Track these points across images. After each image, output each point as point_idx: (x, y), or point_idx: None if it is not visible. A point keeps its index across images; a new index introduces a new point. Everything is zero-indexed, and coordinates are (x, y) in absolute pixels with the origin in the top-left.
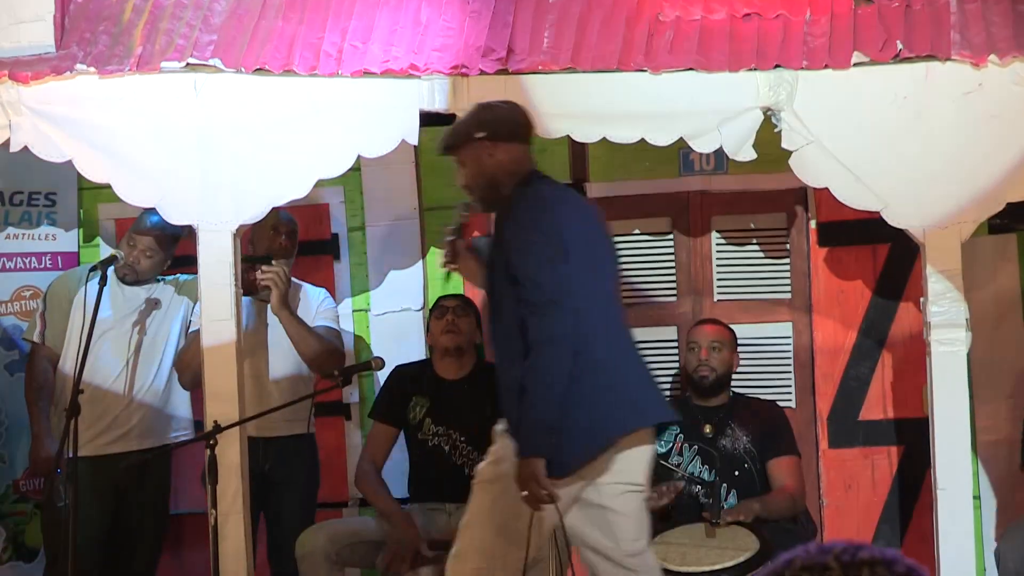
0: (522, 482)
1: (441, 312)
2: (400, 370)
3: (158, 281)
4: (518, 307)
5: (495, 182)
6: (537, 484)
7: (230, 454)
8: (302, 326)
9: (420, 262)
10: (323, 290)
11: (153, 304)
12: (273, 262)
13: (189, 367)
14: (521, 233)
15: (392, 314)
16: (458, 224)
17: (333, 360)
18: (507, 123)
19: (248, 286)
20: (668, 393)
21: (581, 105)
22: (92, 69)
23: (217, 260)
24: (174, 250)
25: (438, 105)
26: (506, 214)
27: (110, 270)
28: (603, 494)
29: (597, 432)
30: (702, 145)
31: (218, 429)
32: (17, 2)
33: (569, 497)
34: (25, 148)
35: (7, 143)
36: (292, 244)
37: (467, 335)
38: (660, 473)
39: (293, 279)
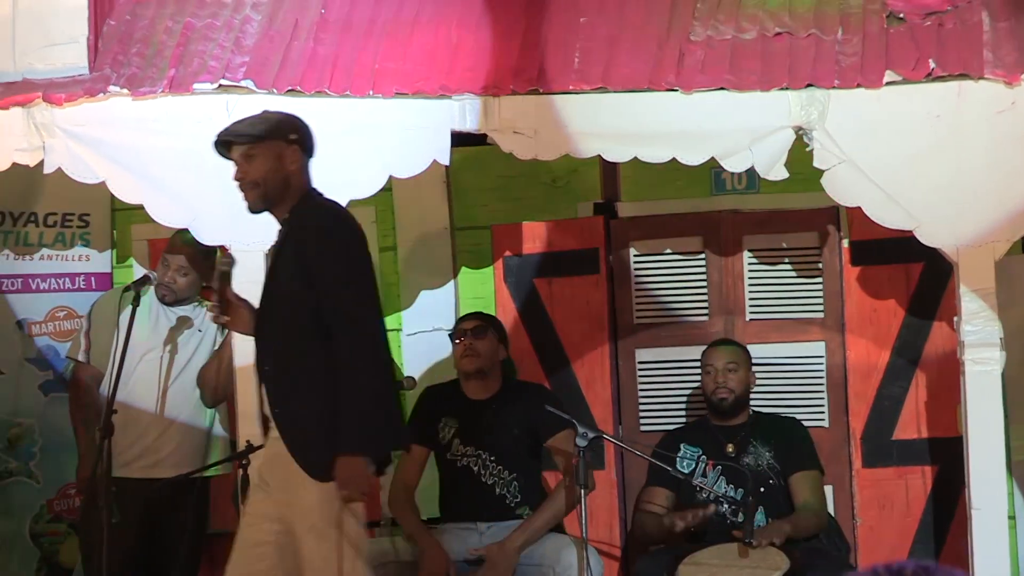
0: (351, 479)
1: (459, 335)
2: (429, 391)
3: (198, 302)
4: (307, 320)
5: (286, 187)
6: (363, 482)
7: None
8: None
9: (452, 282)
10: None
11: (186, 324)
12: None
13: (208, 384)
14: (342, 263)
15: (424, 334)
16: (222, 272)
17: None
18: (310, 137)
19: None
20: (694, 414)
21: (612, 125)
22: (125, 91)
23: (248, 280)
24: (209, 268)
25: (469, 125)
26: (302, 227)
27: (151, 292)
28: None
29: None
30: (734, 164)
31: (250, 449)
32: (51, 24)
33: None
34: (59, 169)
35: (41, 164)
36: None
37: (488, 356)
38: (686, 493)
39: None
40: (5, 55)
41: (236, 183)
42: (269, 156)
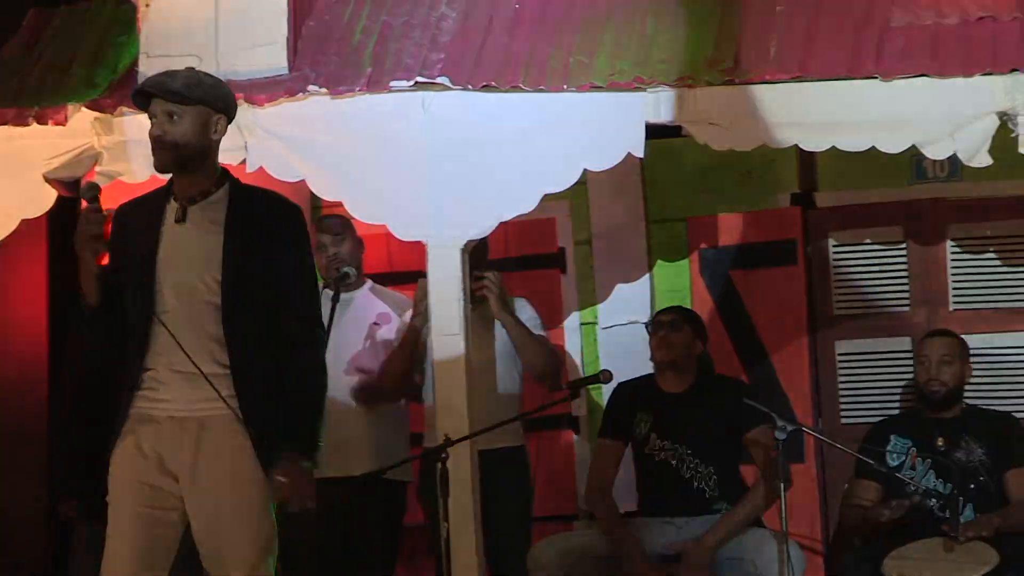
0: (301, 484)
1: (655, 328)
2: (623, 386)
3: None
4: (265, 308)
5: (204, 156)
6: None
7: (461, 468)
8: (523, 328)
9: (647, 274)
10: (522, 299)
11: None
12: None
13: (391, 375)
14: (300, 255)
15: (619, 327)
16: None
17: (555, 363)
18: (235, 110)
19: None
20: (901, 405)
21: (810, 114)
22: (324, 90)
23: (446, 275)
24: (355, 234)
25: (664, 117)
26: (268, 210)
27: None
28: None
29: None
30: (935, 152)
31: (449, 443)
32: (252, 27)
33: None
34: (261, 168)
35: (243, 164)
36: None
37: (682, 348)
38: (895, 487)
39: None
40: (208, 58)
41: (152, 138)
42: (196, 121)
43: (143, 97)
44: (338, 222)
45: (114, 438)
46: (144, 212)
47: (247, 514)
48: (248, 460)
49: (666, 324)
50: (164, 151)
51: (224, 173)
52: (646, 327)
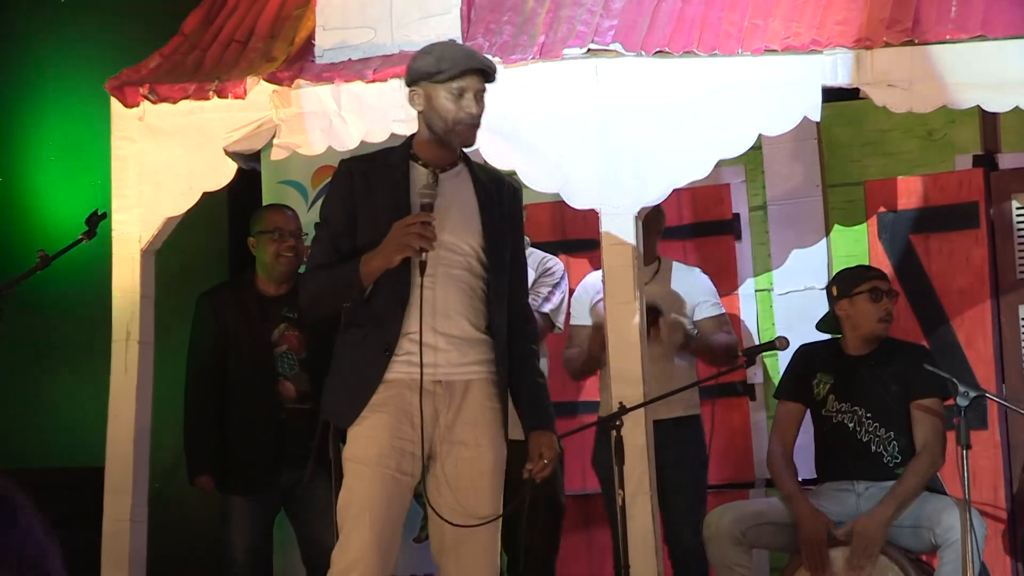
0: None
1: (875, 292)
2: (804, 349)
3: None
4: (507, 281)
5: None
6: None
7: (635, 436)
8: (703, 344)
9: (824, 240)
10: (699, 270)
11: None
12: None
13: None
14: (523, 236)
15: (796, 293)
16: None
17: (732, 355)
18: None
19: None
20: None
21: (992, 74)
22: (497, 58)
23: (619, 243)
24: None
25: (841, 80)
26: (502, 184)
27: None
28: None
29: None
30: None
31: (624, 411)
32: None
33: None
34: None
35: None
36: None
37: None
38: None
39: (675, 262)
40: (383, 29)
41: (469, 116)
42: (483, 99)
43: (479, 75)
44: None
45: (355, 400)
46: (386, 174)
47: (498, 474)
48: (502, 425)
49: (887, 292)
50: (475, 129)
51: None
52: (830, 290)
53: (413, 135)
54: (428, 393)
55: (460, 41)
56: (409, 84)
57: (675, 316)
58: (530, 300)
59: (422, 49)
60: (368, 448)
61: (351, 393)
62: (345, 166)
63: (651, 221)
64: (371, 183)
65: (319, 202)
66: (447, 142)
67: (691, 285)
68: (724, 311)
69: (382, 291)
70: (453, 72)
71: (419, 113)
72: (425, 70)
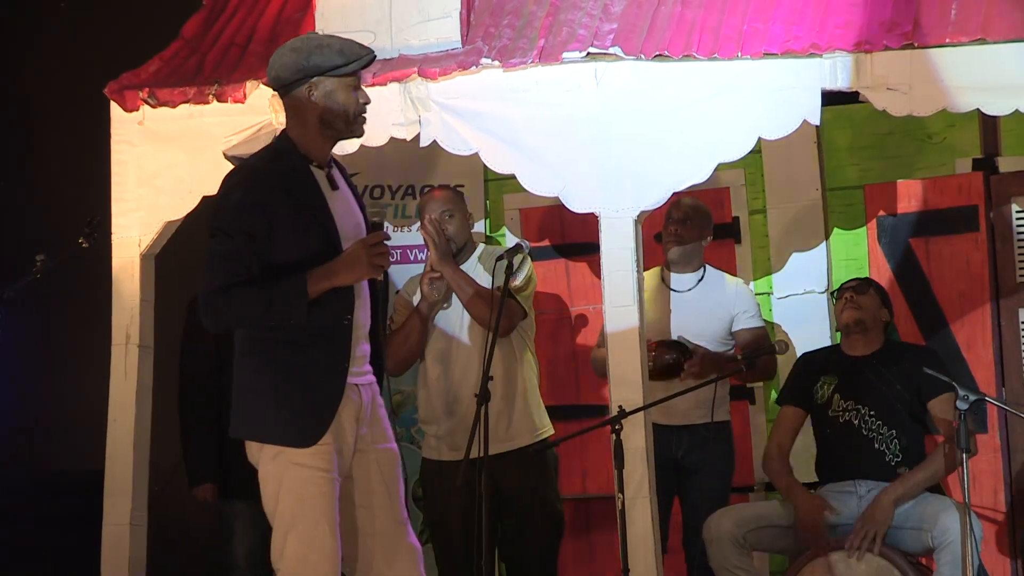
0: None
1: (840, 292)
2: (807, 355)
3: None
4: None
5: None
6: None
7: (635, 439)
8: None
9: (823, 244)
10: (740, 282)
11: None
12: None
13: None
14: None
15: (795, 297)
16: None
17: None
18: None
19: None
20: None
21: (992, 77)
22: (497, 63)
23: (619, 247)
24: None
25: (840, 83)
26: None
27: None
28: None
29: None
30: None
31: (623, 414)
32: (426, 1)
33: None
34: (434, 142)
35: (417, 138)
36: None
37: (869, 311)
38: None
39: (717, 271)
40: (382, 33)
41: (365, 108)
42: None
43: (365, 65)
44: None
45: (322, 417)
46: (297, 181)
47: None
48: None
49: (852, 287)
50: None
51: None
52: (833, 295)
53: (283, 134)
54: (354, 402)
55: (460, 45)
56: (300, 79)
57: (704, 348)
58: (521, 299)
59: (309, 43)
60: (322, 454)
61: (310, 413)
62: (256, 178)
63: (700, 227)
64: (289, 194)
65: None
66: (344, 136)
67: (733, 295)
68: (763, 324)
69: (322, 307)
70: (359, 65)
71: (303, 109)
72: (327, 64)
